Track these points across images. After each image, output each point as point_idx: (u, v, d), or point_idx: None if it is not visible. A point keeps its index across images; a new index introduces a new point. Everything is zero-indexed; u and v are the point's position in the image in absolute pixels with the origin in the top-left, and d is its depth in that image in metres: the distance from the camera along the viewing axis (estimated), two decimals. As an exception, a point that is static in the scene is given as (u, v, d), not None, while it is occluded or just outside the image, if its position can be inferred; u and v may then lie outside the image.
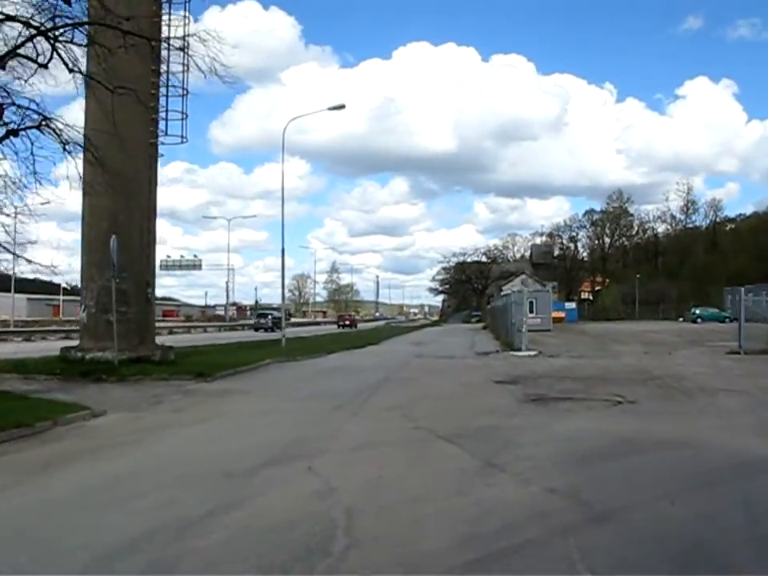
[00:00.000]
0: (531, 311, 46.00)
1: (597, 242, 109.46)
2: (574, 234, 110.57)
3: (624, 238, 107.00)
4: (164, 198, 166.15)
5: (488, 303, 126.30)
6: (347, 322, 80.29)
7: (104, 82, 12.93)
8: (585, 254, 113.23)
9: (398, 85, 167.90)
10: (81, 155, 13.97)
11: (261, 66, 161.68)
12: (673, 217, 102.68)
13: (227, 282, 72.63)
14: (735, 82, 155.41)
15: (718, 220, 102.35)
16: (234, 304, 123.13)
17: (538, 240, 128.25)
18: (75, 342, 18.39)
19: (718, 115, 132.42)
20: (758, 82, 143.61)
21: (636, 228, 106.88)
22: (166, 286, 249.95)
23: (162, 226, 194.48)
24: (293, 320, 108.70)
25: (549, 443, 8.22)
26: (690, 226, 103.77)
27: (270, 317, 58.19)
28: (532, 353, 24.29)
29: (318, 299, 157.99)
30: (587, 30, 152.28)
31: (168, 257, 72.74)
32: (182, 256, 72.79)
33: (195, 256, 73.06)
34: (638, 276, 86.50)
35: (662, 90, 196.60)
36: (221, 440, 8.68)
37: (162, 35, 16.93)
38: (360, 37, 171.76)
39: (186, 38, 15.85)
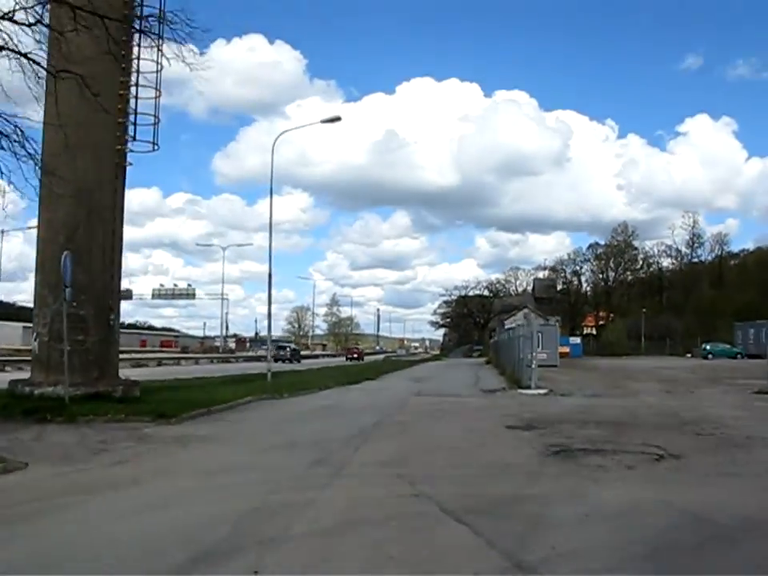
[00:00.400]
0: (537, 346, 43.85)
1: (601, 275, 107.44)
2: (577, 267, 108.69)
3: (628, 272, 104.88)
4: (166, 228, 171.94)
5: (490, 337, 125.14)
6: (355, 355, 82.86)
7: (51, 68, 10.89)
8: (588, 288, 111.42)
9: (401, 119, 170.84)
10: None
11: (266, 99, 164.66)
12: (678, 251, 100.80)
13: (225, 313, 70.75)
14: (735, 119, 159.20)
15: (723, 254, 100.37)
16: (235, 336, 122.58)
17: (540, 274, 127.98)
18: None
19: (718, 152, 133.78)
20: (757, 120, 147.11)
21: (641, 262, 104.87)
22: (165, 316, 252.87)
23: (164, 257, 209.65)
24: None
25: (594, 524, 6.02)
26: (695, 260, 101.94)
27: (288, 349, 62.81)
28: (542, 391, 22.13)
29: (318, 332, 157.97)
30: (589, 67, 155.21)
31: (161, 285, 70.95)
32: (175, 285, 70.92)
33: (189, 285, 70.93)
34: (644, 310, 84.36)
35: (663, 127, 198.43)
36: (150, 512, 6.44)
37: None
38: (364, 71, 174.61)
39: (161, 24, 13.92)
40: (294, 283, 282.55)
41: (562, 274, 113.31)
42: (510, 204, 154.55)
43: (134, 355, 53.77)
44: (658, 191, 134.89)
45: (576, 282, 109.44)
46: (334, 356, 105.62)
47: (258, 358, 67.40)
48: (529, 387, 22.64)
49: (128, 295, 73.97)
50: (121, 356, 19.43)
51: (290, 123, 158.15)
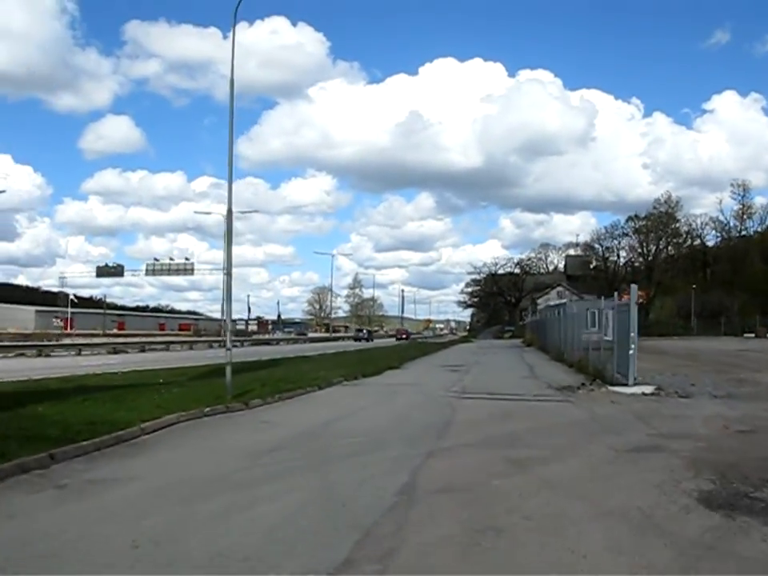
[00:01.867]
0: (592, 326, 36.63)
1: (641, 250, 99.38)
2: (616, 242, 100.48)
3: (671, 246, 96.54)
4: (190, 212, 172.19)
5: (520, 317, 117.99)
6: (404, 336, 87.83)
7: None
8: (626, 264, 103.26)
9: (424, 100, 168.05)
10: None
11: (289, 81, 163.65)
12: (725, 222, 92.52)
13: (248, 295, 63.48)
14: (764, 96, 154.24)
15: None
16: (258, 318, 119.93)
17: (571, 251, 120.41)
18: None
19: (746, 129, 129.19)
20: None
21: (684, 235, 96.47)
22: (191, 300, 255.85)
23: (189, 241, 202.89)
24: (310, 335, 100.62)
25: None
26: (743, 232, 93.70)
27: (364, 331, 71.94)
28: (646, 389, 15.00)
29: (341, 314, 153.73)
30: (614, 45, 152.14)
31: (155, 260, 63.42)
32: (171, 259, 63.49)
33: (187, 259, 63.70)
34: (693, 287, 76.46)
35: (689, 105, 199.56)
36: None
37: None
38: (387, 52, 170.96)
39: None
40: (318, 265, 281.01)
41: (596, 251, 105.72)
42: (534, 184, 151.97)
43: (125, 339, 47.81)
44: (685, 170, 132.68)
45: (615, 257, 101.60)
46: (336, 339, 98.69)
47: (268, 342, 60.92)
48: (625, 384, 15.47)
49: (119, 272, 67.40)
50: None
51: (313, 105, 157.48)
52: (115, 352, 34.60)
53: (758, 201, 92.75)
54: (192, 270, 62.07)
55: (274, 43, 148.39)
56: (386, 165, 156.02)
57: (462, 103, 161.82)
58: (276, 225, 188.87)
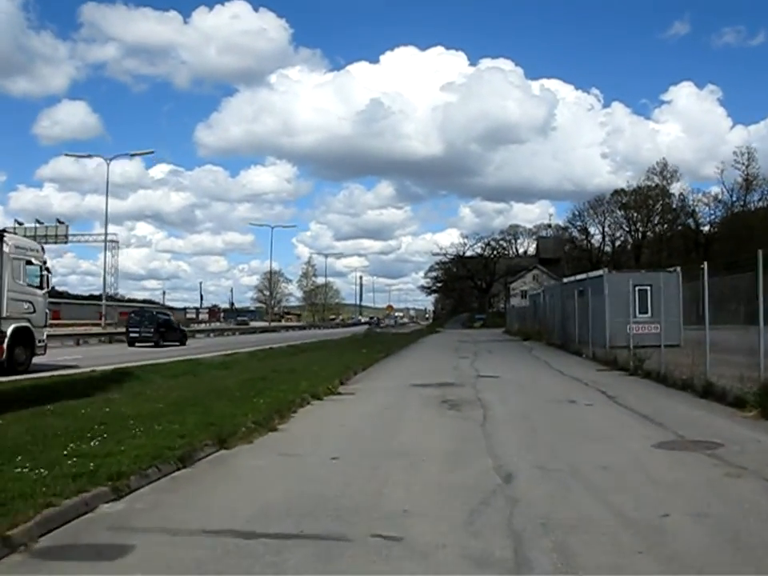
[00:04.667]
0: (643, 311, 24.41)
1: (628, 228, 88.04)
2: (600, 219, 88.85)
3: (665, 224, 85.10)
4: (149, 200, 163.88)
5: (490, 305, 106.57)
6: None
7: None
8: (609, 244, 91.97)
9: (385, 88, 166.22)
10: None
11: (249, 68, 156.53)
12: (717, 199, 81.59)
13: (105, 261, 47.69)
14: (720, 87, 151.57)
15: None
16: (209, 307, 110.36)
17: (543, 233, 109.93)
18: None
19: (703, 120, 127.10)
20: (742, 88, 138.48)
21: (678, 212, 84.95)
22: (148, 288, 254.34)
23: (147, 229, 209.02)
24: (253, 324, 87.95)
25: None
26: (741, 207, 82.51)
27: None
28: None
29: (293, 301, 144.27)
30: (575, 35, 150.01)
31: (18, 223, 47.28)
32: (38, 222, 47.99)
33: (60, 222, 48.93)
34: (702, 267, 64.45)
35: (647, 95, 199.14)
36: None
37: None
38: (349, 40, 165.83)
39: None
40: (277, 252, 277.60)
41: (570, 232, 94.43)
42: (494, 173, 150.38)
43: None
44: (643, 160, 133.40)
45: (599, 236, 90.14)
46: (303, 328, 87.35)
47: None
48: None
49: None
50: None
51: (274, 92, 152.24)
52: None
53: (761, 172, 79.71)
54: (66, 237, 47.78)
55: (235, 28, 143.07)
56: (347, 153, 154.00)
57: (423, 91, 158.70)
58: (236, 213, 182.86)
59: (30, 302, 18.12)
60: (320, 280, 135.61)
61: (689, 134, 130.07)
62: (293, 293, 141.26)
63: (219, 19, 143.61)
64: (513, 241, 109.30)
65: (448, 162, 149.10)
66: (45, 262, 19.07)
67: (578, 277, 28.93)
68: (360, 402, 12.07)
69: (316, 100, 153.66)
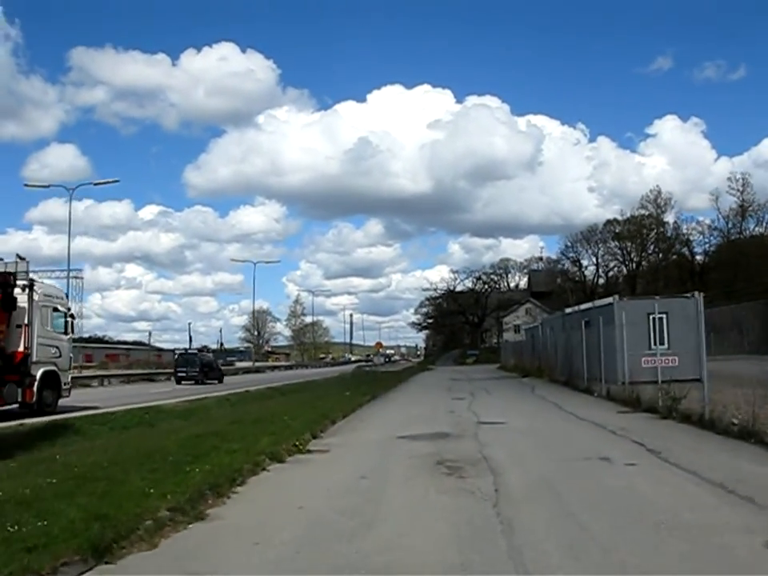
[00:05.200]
0: (660, 341, 21.91)
1: (622, 258, 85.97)
2: (594, 250, 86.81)
3: (660, 253, 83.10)
4: (138, 241, 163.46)
5: (482, 340, 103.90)
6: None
7: None
8: (603, 275, 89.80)
9: (373, 127, 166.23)
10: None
11: (237, 109, 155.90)
12: (712, 227, 79.83)
13: (188, 323, 45.68)
14: (704, 120, 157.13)
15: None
16: (204, 347, 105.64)
17: (535, 266, 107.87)
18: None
19: (688, 153, 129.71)
20: (725, 121, 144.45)
21: (672, 240, 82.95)
22: (139, 330, 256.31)
23: (136, 271, 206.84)
24: (238, 365, 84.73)
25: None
26: (737, 235, 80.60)
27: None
28: None
29: (281, 340, 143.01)
30: (560, 71, 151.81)
31: None
32: None
33: (21, 258, 46.11)
34: (703, 294, 62.20)
35: (632, 129, 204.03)
36: None
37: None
38: (337, 79, 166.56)
39: None
40: (267, 292, 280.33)
41: (563, 264, 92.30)
42: (482, 209, 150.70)
43: None
44: (630, 193, 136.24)
45: (593, 266, 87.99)
46: (290, 368, 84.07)
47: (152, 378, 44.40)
48: None
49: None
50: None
51: (262, 133, 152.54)
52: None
53: (756, 198, 77.91)
54: (26, 273, 45.01)
55: (223, 70, 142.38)
56: (335, 191, 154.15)
57: (411, 129, 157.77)
58: (225, 253, 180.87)
59: (57, 347, 19.03)
60: (309, 319, 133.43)
61: (674, 167, 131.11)
62: (281, 332, 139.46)
63: (207, 61, 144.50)
64: (504, 275, 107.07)
65: (436, 199, 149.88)
66: (69, 309, 20.32)
67: (583, 306, 26.36)
68: (331, 467, 9.34)
69: (304, 139, 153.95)
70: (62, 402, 19.31)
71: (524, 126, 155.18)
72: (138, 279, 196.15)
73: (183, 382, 37.60)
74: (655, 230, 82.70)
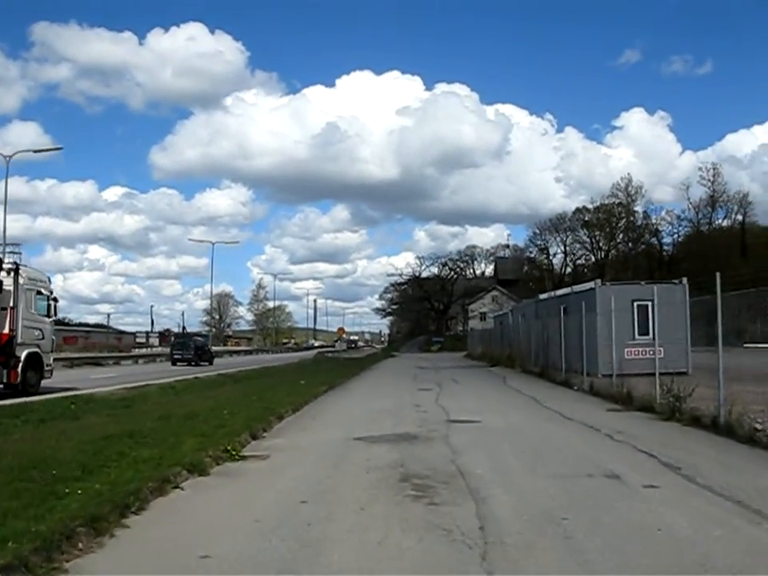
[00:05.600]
0: (643, 331, 20.35)
1: (590, 246, 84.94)
2: (562, 238, 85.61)
3: (629, 242, 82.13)
4: (102, 222, 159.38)
5: (447, 327, 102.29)
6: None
7: None
8: (571, 263, 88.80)
9: (341, 112, 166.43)
10: None
11: (205, 90, 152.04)
12: (681, 218, 79.18)
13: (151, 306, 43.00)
14: (670, 114, 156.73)
15: (746, 218, 77.92)
16: (161, 332, 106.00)
17: (501, 253, 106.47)
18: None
19: (654, 146, 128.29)
20: (690, 115, 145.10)
21: (642, 229, 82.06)
22: (102, 312, 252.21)
23: (100, 253, 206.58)
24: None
25: None
26: (706, 225, 79.94)
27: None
28: None
29: (243, 325, 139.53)
30: (530, 61, 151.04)
31: None
32: None
33: None
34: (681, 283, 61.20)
35: (599, 121, 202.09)
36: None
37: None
38: (306, 64, 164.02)
39: None
40: (232, 277, 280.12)
41: (531, 251, 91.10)
42: (449, 197, 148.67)
43: None
44: (596, 184, 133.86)
45: (560, 257, 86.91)
46: (249, 353, 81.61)
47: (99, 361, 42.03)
48: None
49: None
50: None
51: (230, 115, 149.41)
52: None
53: (727, 189, 77.13)
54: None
55: (191, 51, 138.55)
56: (303, 176, 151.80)
57: (379, 115, 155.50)
58: (190, 236, 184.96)
59: (40, 330, 19.34)
60: (272, 303, 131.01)
61: (640, 159, 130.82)
62: (243, 316, 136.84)
63: (175, 41, 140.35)
64: (470, 262, 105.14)
65: (404, 186, 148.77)
66: (51, 292, 20.36)
67: (560, 292, 24.65)
68: (265, 482, 7.28)
69: (272, 123, 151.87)
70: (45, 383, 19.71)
71: (492, 115, 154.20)
72: (102, 261, 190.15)
73: (179, 363, 39.58)
74: (625, 219, 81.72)
